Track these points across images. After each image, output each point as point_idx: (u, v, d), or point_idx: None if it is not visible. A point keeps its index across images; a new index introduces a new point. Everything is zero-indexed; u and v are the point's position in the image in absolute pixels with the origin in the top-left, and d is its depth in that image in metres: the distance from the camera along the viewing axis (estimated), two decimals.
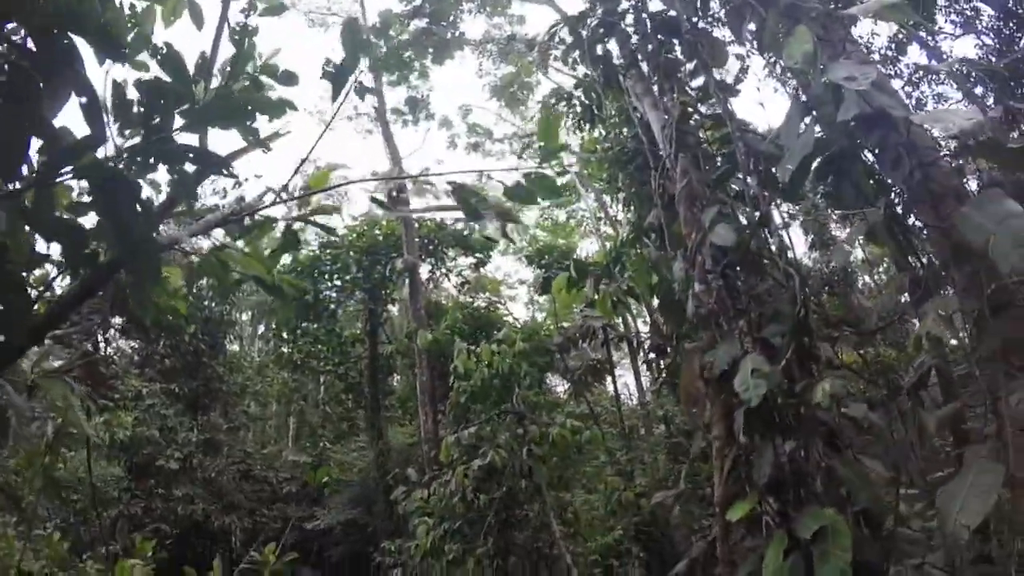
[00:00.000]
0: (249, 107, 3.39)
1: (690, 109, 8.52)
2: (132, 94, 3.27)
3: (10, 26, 2.80)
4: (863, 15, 7.65)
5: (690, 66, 8.91)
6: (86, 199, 3.51)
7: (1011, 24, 17.15)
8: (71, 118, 3.01)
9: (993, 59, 16.44)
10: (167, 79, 3.33)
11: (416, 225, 26.92)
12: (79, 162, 2.80)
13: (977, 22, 17.70)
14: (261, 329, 39.64)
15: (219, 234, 4.67)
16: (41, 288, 4.17)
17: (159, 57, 3.50)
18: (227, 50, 4.21)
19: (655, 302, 10.05)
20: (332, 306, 28.23)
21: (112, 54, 3.19)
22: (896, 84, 17.27)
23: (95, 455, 20.35)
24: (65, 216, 3.32)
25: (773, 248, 6.60)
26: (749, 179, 6.85)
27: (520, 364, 15.44)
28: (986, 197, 5.03)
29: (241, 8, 4.29)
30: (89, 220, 3.29)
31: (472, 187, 3.89)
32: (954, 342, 6.37)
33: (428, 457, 20.25)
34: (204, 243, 5.03)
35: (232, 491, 24.83)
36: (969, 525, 4.30)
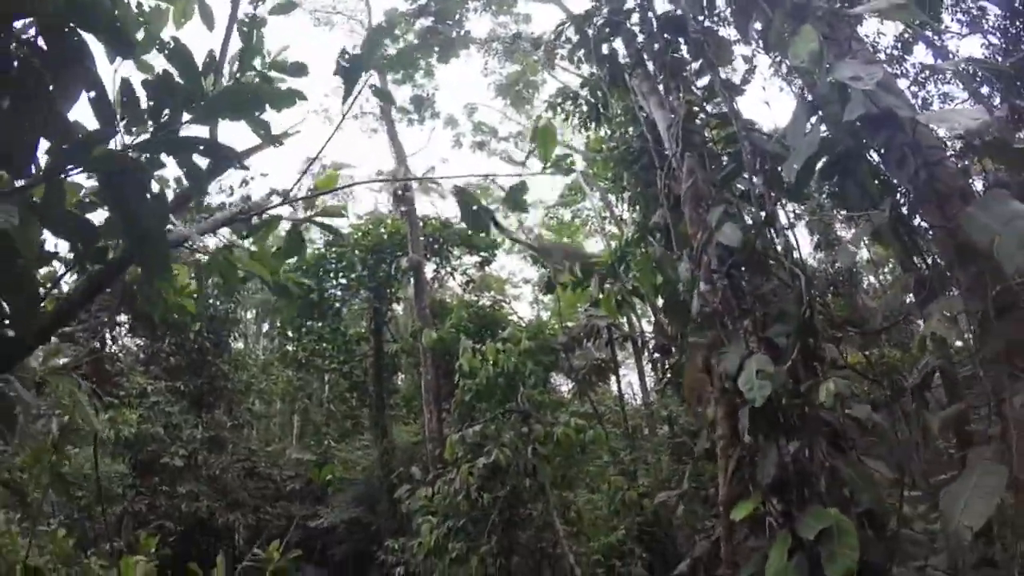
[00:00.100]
0: (258, 98, 3.39)
1: (696, 108, 8.52)
2: (141, 92, 3.28)
3: (19, 24, 2.82)
4: (869, 14, 7.64)
5: (696, 65, 8.91)
6: (95, 198, 3.54)
7: (1017, 23, 17.08)
8: (80, 116, 3.04)
9: (999, 58, 16.38)
10: (175, 74, 3.35)
11: (421, 224, 26.97)
12: (89, 156, 2.82)
13: (984, 21, 17.64)
14: (266, 327, 39.70)
15: (225, 232, 4.70)
16: (49, 285, 4.20)
17: (168, 51, 3.52)
18: (236, 49, 4.24)
19: (660, 302, 10.06)
20: (337, 304, 28.27)
21: (122, 51, 3.20)
22: (902, 83, 17.26)
23: (99, 452, 20.41)
24: (74, 212, 3.33)
25: (779, 248, 6.60)
26: (755, 179, 6.85)
27: (525, 363, 15.45)
28: (992, 197, 5.02)
29: (250, 1, 4.31)
30: (98, 218, 3.31)
31: (474, 192, 3.89)
32: (959, 343, 6.36)
33: (432, 456, 20.26)
34: (210, 241, 5.05)
35: (236, 488, 24.91)
36: (972, 527, 4.30)
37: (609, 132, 18.57)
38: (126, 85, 3.31)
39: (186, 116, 3.19)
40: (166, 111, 3.15)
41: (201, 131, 3.35)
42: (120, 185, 2.70)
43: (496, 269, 34.92)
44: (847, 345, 7.34)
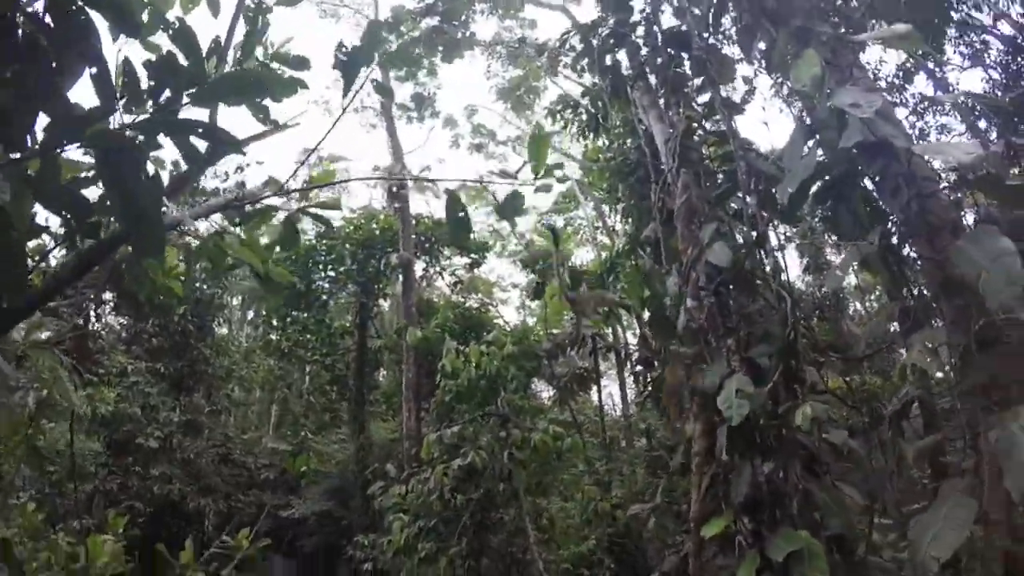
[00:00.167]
0: (261, 84, 3.39)
1: (695, 125, 8.56)
2: (143, 73, 3.28)
3: None
4: (873, 42, 7.70)
5: (698, 82, 8.95)
6: (91, 176, 3.53)
7: (1019, 60, 17.23)
8: (82, 95, 3.03)
9: (999, 93, 16.50)
10: (179, 56, 3.34)
11: (414, 222, 26.97)
12: (86, 132, 2.81)
13: (986, 55, 17.78)
14: (251, 315, 39.54)
15: (217, 218, 4.68)
16: (37, 259, 4.18)
17: (172, 32, 3.52)
18: (240, 39, 4.24)
19: (646, 315, 10.08)
20: (324, 297, 28.21)
21: (127, 30, 3.20)
22: (901, 112, 17.38)
23: (75, 429, 20.28)
24: (69, 187, 3.32)
25: (767, 269, 6.63)
26: (748, 198, 6.89)
27: (507, 367, 15.46)
28: (982, 232, 5.05)
29: None
30: (93, 195, 3.31)
31: (463, 198, 3.91)
32: (939, 375, 6.41)
33: (409, 454, 20.25)
34: (202, 226, 5.04)
35: (210, 474, 24.78)
36: (939, 557, 4.33)
37: (607, 143, 18.65)
38: (128, 65, 3.31)
39: (187, 98, 3.19)
40: (166, 92, 3.14)
41: (201, 115, 3.35)
42: (117, 164, 2.70)
43: (485, 272, 34.97)
44: (829, 370, 7.38)
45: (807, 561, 4.80)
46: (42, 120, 2.78)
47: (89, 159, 3.27)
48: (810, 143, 6.21)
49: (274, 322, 28.43)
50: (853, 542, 5.52)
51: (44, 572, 8.32)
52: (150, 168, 2.96)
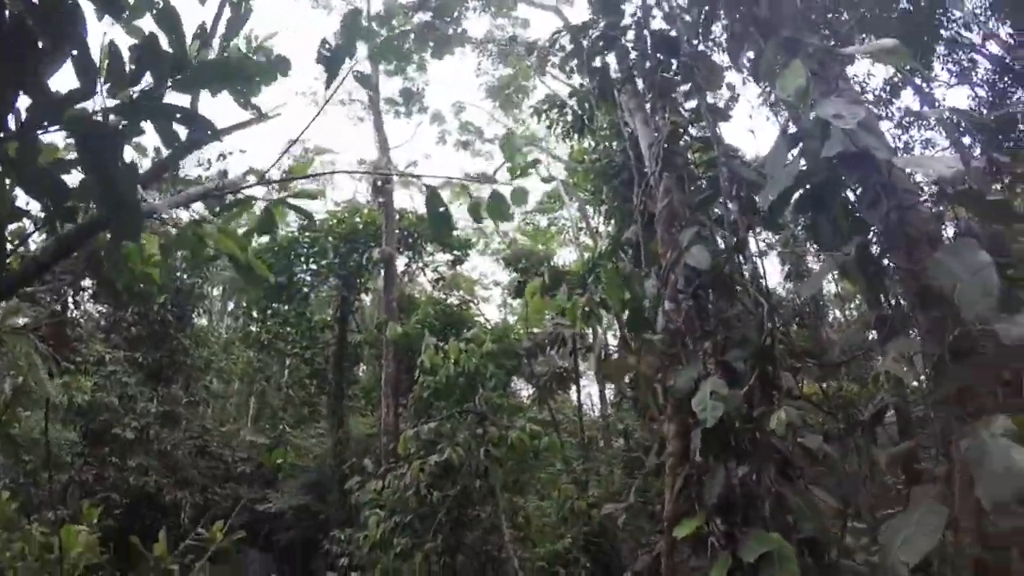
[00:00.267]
0: (244, 71, 3.38)
1: (682, 130, 8.60)
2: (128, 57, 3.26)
3: None
4: (861, 56, 7.77)
5: (685, 88, 8.99)
6: (72, 159, 3.50)
7: (1006, 79, 17.45)
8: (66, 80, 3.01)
9: (985, 111, 16.70)
10: (163, 40, 3.32)
11: (398, 217, 26.92)
12: (65, 114, 2.80)
13: (973, 73, 18.00)
14: (231, 306, 39.36)
15: (199, 208, 4.67)
16: (16, 243, 4.15)
17: (156, 12, 3.49)
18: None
19: (626, 316, 10.12)
20: (305, 289, 28.08)
21: (111, 11, 3.19)
22: (887, 126, 17.57)
23: (51, 418, 20.11)
24: (48, 171, 3.29)
25: (746, 274, 6.68)
26: (730, 204, 6.94)
27: (486, 364, 15.48)
28: (959, 245, 5.12)
29: None
30: (73, 180, 3.29)
31: (441, 196, 3.93)
32: (915, 383, 6.48)
33: (386, 449, 20.21)
34: (183, 215, 5.01)
35: (186, 466, 24.63)
36: (909, 563, 4.38)
37: (593, 144, 18.71)
38: (113, 48, 3.29)
39: (169, 83, 3.17)
40: (147, 75, 3.13)
41: (183, 101, 3.34)
42: (97, 148, 2.69)
43: (468, 269, 34.99)
44: (806, 376, 7.45)
45: (778, 563, 4.85)
46: (23, 102, 2.76)
47: (70, 145, 3.25)
48: (793, 152, 6.26)
49: (254, 314, 28.26)
50: (826, 545, 5.58)
51: (18, 562, 8.26)
52: (130, 154, 2.94)
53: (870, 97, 18.10)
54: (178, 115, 3.10)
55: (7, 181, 3.11)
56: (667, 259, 7.03)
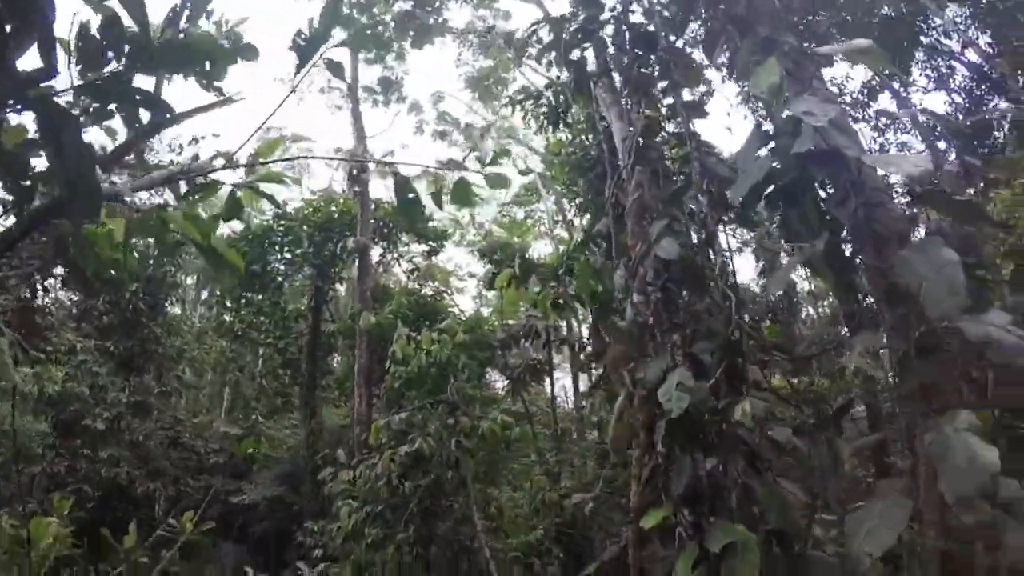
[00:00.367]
0: (210, 53, 3.36)
1: (661, 125, 8.65)
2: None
3: None
4: (835, 55, 7.83)
5: (664, 84, 9.03)
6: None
7: (983, 86, 17.73)
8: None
9: (961, 117, 16.95)
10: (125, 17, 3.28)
11: (373, 206, 26.82)
12: (26, 94, 2.78)
13: (951, 80, 18.28)
14: (205, 295, 39.04)
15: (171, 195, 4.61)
16: None
17: None
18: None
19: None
20: (279, 279, 27.91)
21: None
22: (864, 129, 17.81)
23: (21, 409, 19.89)
24: (11, 151, 3.26)
25: (716, 268, 6.74)
26: (701, 198, 6.99)
27: (458, 355, 15.51)
28: (926, 243, 5.18)
29: None
30: (43, 164, 3.26)
31: (411, 183, 3.94)
32: (888, 379, 6.57)
33: (359, 440, 20.18)
34: (159, 200, 4.97)
35: (158, 457, 24.40)
36: (872, 553, 4.45)
37: (570, 138, 18.75)
38: (84, 29, 3.26)
39: (126, 62, 3.14)
40: (111, 55, 3.10)
41: (147, 82, 3.31)
42: (55, 129, 2.68)
43: (443, 260, 34.94)
44: (779, 371, 7.53)
45: (741, 553, 4.91)
46: None
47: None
48: (767, 148, 6.32)
49: (228, 303, 28.04)
50: (793, 536, 5.65)
51: None
52: (101, 137, 2.93)
53: (848, 100, 18.34)
54: (137, 97, 3.08)
55: None
56: (637, 251, 7.09)
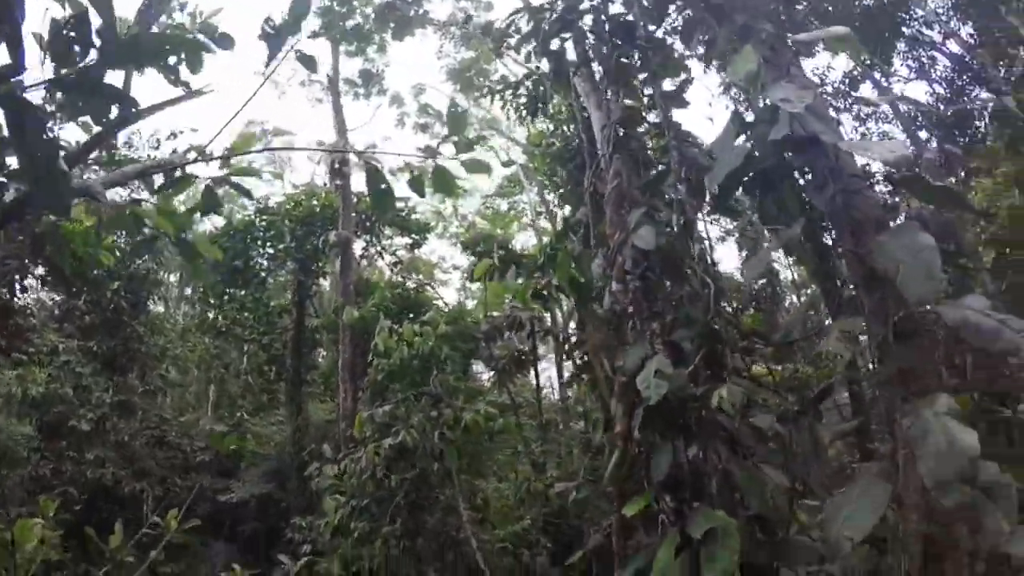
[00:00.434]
0: (178, 47, 3.33)
1: (642, 114, 8.65)
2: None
3: None
4: (812, 42, 7.85)
5: (644, 74, 9.03)
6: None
7: (964, 76, 17.85)
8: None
9: (942, 107, 17.06)
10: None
11: (355, 200, 26.71)
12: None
13: (933, 70, 18.39)
14: (188, 292, 38.74)
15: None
16: None
17: None
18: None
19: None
20: (262, 274, 27.76)
21: None
22: (845, 119, 17.92)
23: (5, 412, 19.75)
24: None
25: (694, 256, 6.76)
26: (680, 186, 7.00)
27: (441, 347, 15.49)
28: (904, 228, 5.22)
29: None
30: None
31: (382, 172, 3.94)
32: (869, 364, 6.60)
33: (345, 435, 20.14)
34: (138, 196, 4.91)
35: (144, 457, 24.14)
36: (852, 537, 4.49)
37: (551, 128, 18.72)
38: (55, 25, 3.23)
39: (95, 55, 3.12)
40: (76, 49, 3.07)
41: (116, 78, 3.28)
42: (20, 124, 2.65)
43: (427, 253, 34.88)
44: (761, 359, 7.56)
45: (721, 539, 4.94)
46: None
47: None
48: (745, 136, 6.33)
49: (211, 300, 27.85)
50: (776, 522, 5.69)
51: None
52: (76, 132, 2.91)
53: (829, 90, 18.42)
54: (102, 92, 3.05)
55: None
56: (615, 240, 7.09)
